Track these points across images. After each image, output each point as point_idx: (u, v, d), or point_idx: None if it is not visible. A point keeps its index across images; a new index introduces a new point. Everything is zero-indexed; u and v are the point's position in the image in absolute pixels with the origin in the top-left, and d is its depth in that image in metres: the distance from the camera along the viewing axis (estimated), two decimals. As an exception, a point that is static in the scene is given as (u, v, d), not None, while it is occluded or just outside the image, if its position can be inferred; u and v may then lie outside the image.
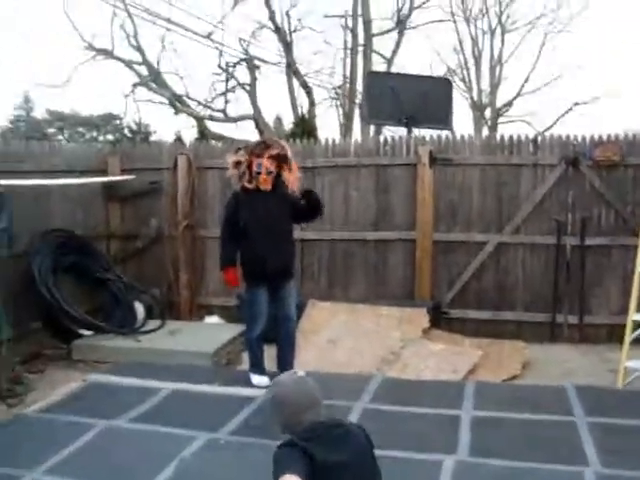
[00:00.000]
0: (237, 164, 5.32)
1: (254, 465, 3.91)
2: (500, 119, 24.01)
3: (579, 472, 3.73)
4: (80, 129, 28.24)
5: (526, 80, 23.04)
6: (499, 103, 23.89)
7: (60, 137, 26.85)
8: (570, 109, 22.10)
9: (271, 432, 4.39)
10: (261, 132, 16.18)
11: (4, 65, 37.13)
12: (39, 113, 29.18)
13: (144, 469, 3.86)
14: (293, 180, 5.30)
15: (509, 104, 23.90)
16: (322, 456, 2.39)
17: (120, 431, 4.53)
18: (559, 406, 4.90)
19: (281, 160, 5.24)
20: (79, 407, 5.00)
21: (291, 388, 2.74)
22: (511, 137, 7.43)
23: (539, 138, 7.44)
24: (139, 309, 7.61)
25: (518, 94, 23.40)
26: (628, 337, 5.66)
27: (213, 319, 8.07)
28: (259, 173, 5.20)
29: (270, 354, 5.68)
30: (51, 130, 27.96)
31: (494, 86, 23.46)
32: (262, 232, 5.26)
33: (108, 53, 16.38)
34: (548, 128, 20.32)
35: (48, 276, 6.80)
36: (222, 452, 4.13)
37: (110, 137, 24.77)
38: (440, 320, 7.42)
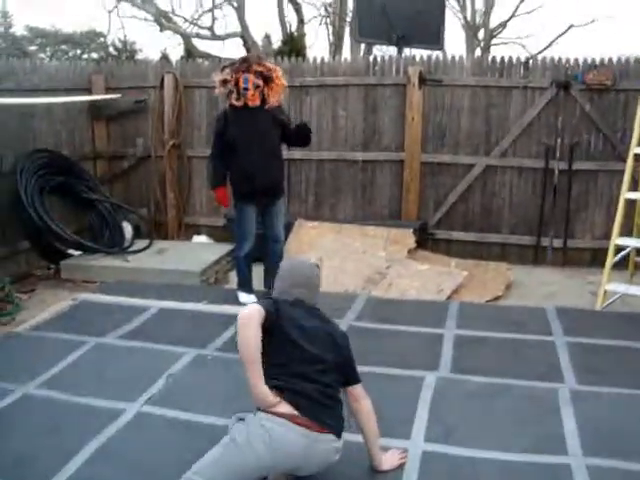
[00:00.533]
0: (224, 82, 5.25)
1: (239, 379, 4.02)
2: (493, 41, 23.51)
3: (555, 388, 3.85)
4: (63, 47, 27.44)
5: (521, 1, 22.47)
6: (493, 24, 23.37)
7: (42, 55, 26.11)
8: (565, 32, 21.63)
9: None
10: (249, 50, 15.82)
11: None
12: (18, 30, 28.32)
13: (134, 384, 3.96)
14: (273, 97, 5.24)
15: (503, 25, 23.34)
16: (287, 314, 2.88)
17: (110, 348, 4.61)
18: (539, 326, 5.02)
19: (266, 77, 5.18)
20: (69, 325, 5.07)
21: (297, 265, 3.27)
22: (502, 59, 7.32)
23: (530, 61, 7.33)
24: (127, 229, 7.64)
25: (512, 15, 22.84)
26: (610, 261, 5.75)
27: (201, 238, 8.12)
28: (246, 89, 5.13)
29: (257, 273, 5.76)
30: (32, 48, 27.15)
31: (488, 6, 22.83)
32: (251, 149, 5.24)
33: (90, -35, 15.84)
34: (542, 51, 19.91)
35: (35, 196, 6.77)
36: (209, 367, 4.24)
37: (94, 55, 24.11)
38: (426, 241, 7.52)
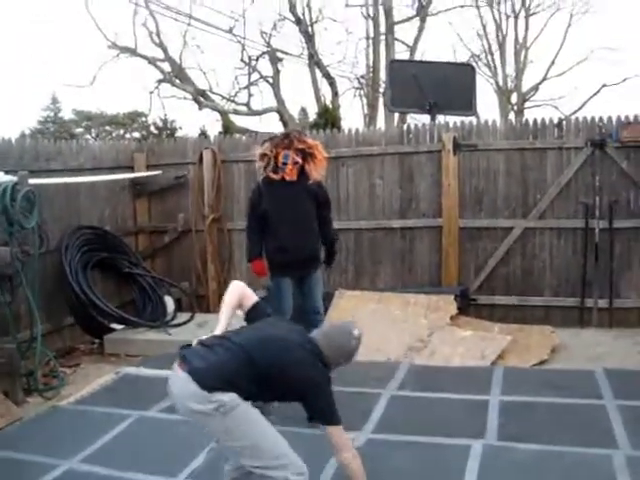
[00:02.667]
0: (264, 156, 5.32)
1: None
2: (526, 104, 23.73)
3: (609, 455, 3.72)
4: (107, 127, 28.55)
5: (552, 63, 22.73)
6: (525, 87, 23.62)
7: (88, 136, 27.15)
8: (598, 91, 21.74)
9: (298, 421, 4.48)
10: (285, 124, 16.20)
11: (32, 66, 37.71)
12: (66, 113, 29.60)
13: (176, 457, 3.94)
14: (316, 172, 5.29)
15: (535, 88, 23.60)
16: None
17: (153, 421, 4.62)
18: (588, 390, 4.89)
19: (306, 154, 5.25)
20: (112, 399, 5.11)
21: (337, 330, 3.35)
22: (535, 121, 7.36)
23: (564, 122, 7.36)
24: (169, 302, 7.72)
25: (544, 78, 23.10)
26: (658, 319, 5.60)
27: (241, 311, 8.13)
28: (285, 164, 5.18)
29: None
30: (79, 130, 28.31)
31: (519, 70, 23.16)
32: (284, 221, 5.27)
33: (131, 51, 16.50)
34: (575, 111, 19.99)
35: (79, 272, 6.93)
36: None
37: (136, 134, 24.99)
38: (468, 307, 7.41)
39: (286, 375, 2.93)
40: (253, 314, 3.31)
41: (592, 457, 3.73)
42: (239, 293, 3.34)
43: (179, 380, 2.88)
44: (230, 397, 2.81)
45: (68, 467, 3.89)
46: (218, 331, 3.19)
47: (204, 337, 3.14)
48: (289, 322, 3.57)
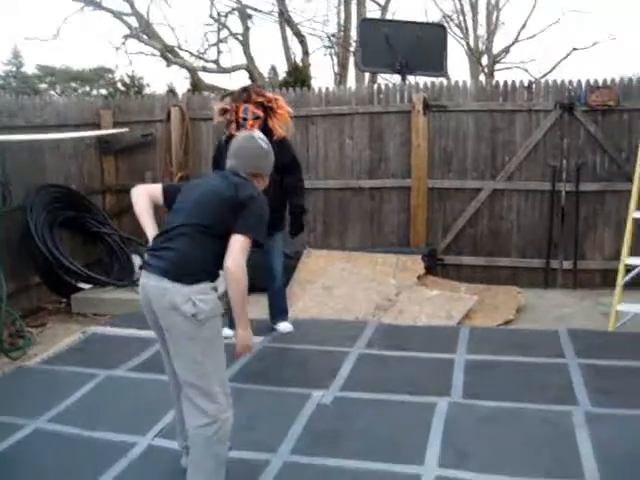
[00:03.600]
0: (224, 111, 5.22)
1: (260, 408, 4.00)
2: (497, 66, 23.68)
3: (569, 411, 3.81)
4: (72, 84, 27.86)
5: (523, 26, 22.64)
6: (496, 50, 23.55)
7: (52, 92, 26.48)
8: (568, 55, 21.74)
9: (268, 377, 4.51)
10: (254, 82, 16.00)
11: (-8, 19, 36.52)
12: (29, 68, 28.79)
13: (144, 417, 3.95)
14: (279, 127, 5.17)
15: (506, 50, 23.52)
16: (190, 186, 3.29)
17: (120, 380, 4.61)
18: (551, 349, 4.98)
19: (266, 108, 5.15)
20: (80, 358, 5.07)
21: (238, 138, 3.32)
22: (505, 83, 7.38)
23: (534, 85, 7.37)
24: (136, 261, 7.66)
25: (515, 40, 23.02)
26: (620, 281, 5.71)
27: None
28: (245, 119, 5.07)
29: (263, 303, 5.72)
30: (42, 85, 27.58)
31: (491, 32, 23.03)
32: None
33: (95, 4, 16.07)
34: (545, 75, 19.97)
35: (45, 231, 6.82)
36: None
37: (103, 91, 24.43)
38: (435, 267, 7.50)
39: (241, 209, 2.97)
40: (170, 200, 3.24)
41: (553, 414, 3.83)
42: (144, 194, 3.29)
43: (152, 285, 2.95)
44: (210, 306, 2.86)
45: (35, 427, 3.87)
46: (152, 232, 3.17)
47: (149, 244, 3.14)
48: (201, 178, 3.47)
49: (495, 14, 22.72)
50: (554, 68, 21.30)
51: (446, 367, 4.68)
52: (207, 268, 2.94)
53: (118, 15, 16.39)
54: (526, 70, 22.23)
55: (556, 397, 4.08)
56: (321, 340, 5.29)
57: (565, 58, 21.25)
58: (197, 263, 2.90)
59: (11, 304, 5.92)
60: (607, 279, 6.85)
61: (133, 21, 16.55)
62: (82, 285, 7.07)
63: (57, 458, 3.53)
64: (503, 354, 4.91)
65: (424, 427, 3.68)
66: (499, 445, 3.49)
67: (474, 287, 6.99)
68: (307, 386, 4.31)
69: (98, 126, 8.23)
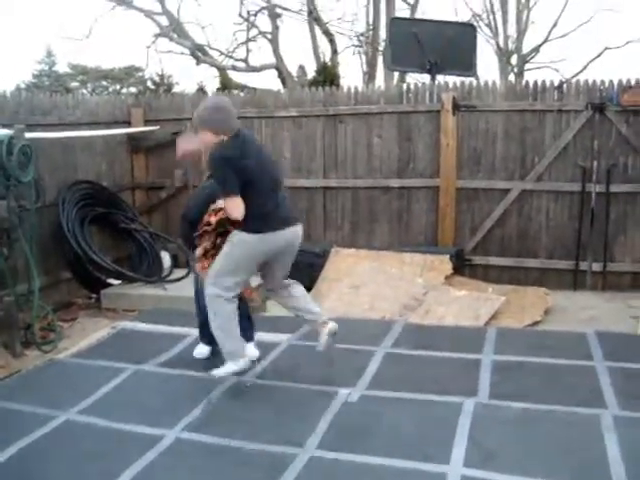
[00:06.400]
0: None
1: (279, 406, 4.04)
2: (527, 65, 23.45)
3: (597, 414, 3.79)
4: (103, 82, 28.20)
5: (554, 25, 22.40)
6: (526, 49, 23.32)
7: (83, 91, 26.81)
8: (600, 55, 21.45)
9: (296, 375, 4.55)
10: (283, 81, 16.06)
11: (25, 19, 37.06)
12: (62, 67, 29.17)
13: (172, 410, 4.00)
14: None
15: (536, 50, 23.29)
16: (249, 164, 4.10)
17: (149, 375, 4.68)
18: (579, 351, 4.95)
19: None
20: (109, 353, 5.16)
21: (223, 100, 4.49)
22: (535, 83, 7.30)
23: (564, 85, 7.30)
24: (165, 258, 7.75)
25: (546, 39, 22.78)
26: (651, 283, 5.65)
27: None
28: None
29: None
30: (74, 84, 27.94)
31: (521, 32, 22.82)
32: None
33: (127, 3, 16.23)
34: (576, 74, 19.71)
35: (76, 227, 6.93)
36: (248, 394, 4.26)
37: (133, 89, 24.68)
38: (463, 267, 7.46)
39: None
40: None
41: (581, 416, 3.80)
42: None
43: (299, 229, 4.38)
44: None
45: (66, 418, 3.95)
46: None
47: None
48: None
49: (525, 13, 22.50)
50: (585, 68, 21.06)
51: (473, 367, 4.67)
52: None
53: (149, 14, 16.54)
54: (556, 70, 22.00)
55: (584, 400, 4.05)
56: (348, 338, 5.29)
57: (597, 57, 21.00)
58: None
59: (43, 298, 6.03)
60: (637, 282, 6.79)
61: (163, 20, 16.69)
62: (112, 281, 7.15)
63: (88, 448, 3.59)
64: (530, 355, 4.88)
65: (450, 427, 3.68)
66: (525, 447, 3.48)
67: (502, 288, 6.95)
68: (334, 384, 4.34)
69: (129, 124, 8.33)
